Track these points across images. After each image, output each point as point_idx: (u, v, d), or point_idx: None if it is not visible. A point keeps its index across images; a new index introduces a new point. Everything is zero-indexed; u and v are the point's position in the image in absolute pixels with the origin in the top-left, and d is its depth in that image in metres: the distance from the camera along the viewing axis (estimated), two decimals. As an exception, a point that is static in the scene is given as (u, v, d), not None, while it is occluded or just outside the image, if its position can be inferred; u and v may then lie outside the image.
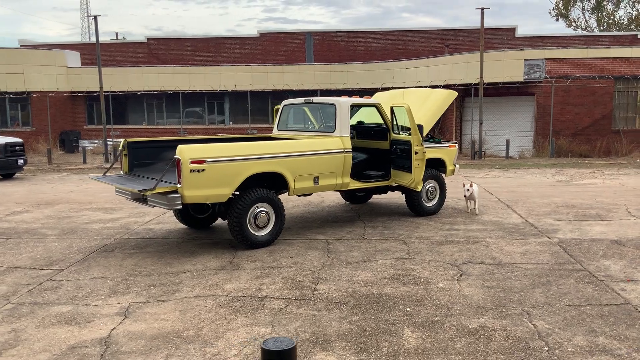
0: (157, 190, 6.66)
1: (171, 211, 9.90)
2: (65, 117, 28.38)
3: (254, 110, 28.85)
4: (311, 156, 7.80)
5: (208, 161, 6.84)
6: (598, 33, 37.40)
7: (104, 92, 23.72)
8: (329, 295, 5.68)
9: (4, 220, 9.65)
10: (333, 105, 8.36)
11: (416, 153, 8.23)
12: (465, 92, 22.52)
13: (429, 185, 9.25)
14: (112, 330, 4.92)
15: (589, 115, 22.01)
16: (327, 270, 6.52)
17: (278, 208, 7.56)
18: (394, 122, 8.62)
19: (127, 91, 27.66)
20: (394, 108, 8.54)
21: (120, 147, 8.04)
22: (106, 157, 20.74)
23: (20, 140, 16.93)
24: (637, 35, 33.83)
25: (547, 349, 4.42)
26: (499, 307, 5.29)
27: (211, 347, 4.56)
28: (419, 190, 8.62)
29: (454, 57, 23.88)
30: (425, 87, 23.35)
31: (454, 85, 20.84)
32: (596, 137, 21.76)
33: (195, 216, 8.60)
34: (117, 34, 41.45)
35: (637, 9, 53.41)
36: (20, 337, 4.77)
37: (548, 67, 21.65)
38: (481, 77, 20.05)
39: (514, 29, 33.48)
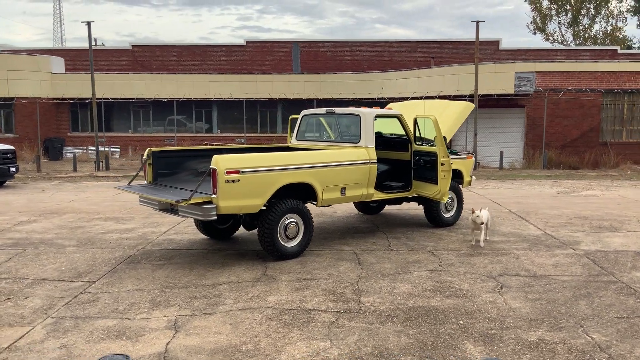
0: (193, 201, 6.55)
1: (188, 221, 9.77)
2: (49, 124, 27.86)
3: (241, 119, 28.74)
4: (339, 167, 7.77)
5: (243, 171, 6.77)
6: (580, 47, 38.20)
7: (89, 98, 23.33)
8: (376, 308, 5.64)
9: (13, 231, 9.39)
10: (358, 116, 8.35)
11: (442, 164, 8.26)
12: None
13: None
14: (167, 345, 4.80)
15: (578, 128, 22.44)
16: (364, 282, 6.48)
17: (307, 219, 7.51)
18: (417, 134, 8.64)
19: (120, 98, 27.28)
20: (418, 119, 8.57)
21: (144, 157, 7.90)
22: (97, 165, 20.38)
23: (12, 147, 16.54)
24: (617, 49, 34.69)
25: (612, 361, 4.45)
26: (551, 320, 5.32)
27: (276, 361, 4.48)
28: (445, 201, 8.66)
29: (445, 68, 24.14)
30: (417, 98, 23.54)
31: (449, 96, 21.04)
32: (584, 149, 22.17)
33: (217, 227, 8.48)
34: (95, 40, 40.97)
35: (612, 24, 54.83)
36: (73, 353, 4.63)
37: (538, 79, 22.03)
38: (476, 88, 20.29)
39: (498, 42, 34.01)
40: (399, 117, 8.63)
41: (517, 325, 5.20)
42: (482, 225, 7.98)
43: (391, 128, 9.44)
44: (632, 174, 19.03)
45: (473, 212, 7.97)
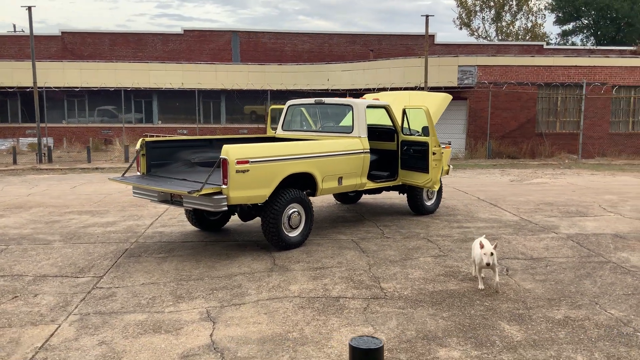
0: (203, 192, 6.43)
1: (170, 214, 9.56)
2: (-27, 114, 26.16)
3: (184, 110, 28.14)
4: (337, 157, 7.85)
5: (252, 161, 6.71)
6: (509, 42, 39.89)
7: (18, 87, 22.13)
8: (401, 294, 5.78)
9: (-18, 226, 8.85)
10: (350, 106, 8.44)
11: (434, 154, 8.50)
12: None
13: (428, 185, 9.57)
14: (210, 336, 4.74)
15: (516, 119, 23.52)
16: (376, 269, 6.60)
17: (309, 208, 7.54)
18: (406, 124, 8.84)
19: (58, 87, 25.95)
20: (407, 110, 8.76)
21: (137, 147, 7.65)
22: (40, 157, 19.38)
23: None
24: (542, 45, 36.53)
25: (639, 334, 4.79)
26: (567, 299, 5.64)
27: (328, 347, 4.53)
28: (436, 189, 8.91)
29: (391, 61, 24.62)
30: (362, 90, 23.89)
31: (400, 88, 21.47)
32: (522, 139, 23.28)
33: (209, 218, 8.36)
34: (14, 26, 38.76)
35: (532, 21, 57.59)
36: (116, 349, 4.49)
37: (479, 73, 22.89)
38: (425, 81, 20.84)
39: (433, 36, 34.89)
40: (386, 108, 8.79)
41: (538, 304, 5.48)
42: (480, 267, 5.88)
43: (375, 118, 9.58)
44: (570, 163, 20.20)
45: (481, 246, 5.69)
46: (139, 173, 7.74)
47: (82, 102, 27.97)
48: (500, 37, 54.75)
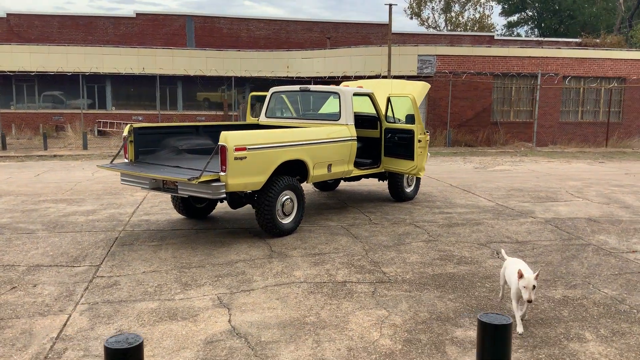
0: (203, 179, 6.38)
1: (151, 201, 9.42)
2: None
3: (139, 96, 27.50)
4: (327, 144, 7.91)
5: (249, 148, 6.70)
6: (461, 33, 40.68)
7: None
8: (403, 277, 5.93)
9: (-47, 216, 8.48)
10: (337, 94, 8.51)
11: (419, 141, 8.67)
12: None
13: (407, 173, 9.76)
14: (229, 322, 4.76)
15: (472, 108, 24.11)
16: (373, 254, 6.73)
17: (301, 195, 7.59)
18: (390, 112, 8.97)
19: (12, 72, 24.85)
20: (392, 98, 8.90)
21: (125, 134, 7.49)
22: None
23: None
24: (493, 36, 37.51)
25: (635, 310, 5.10)
26: (561, 279, 5.92)
27: (348, 330, 4.62)
28: (421, 176, 9.10)
29: (352, 49, 24.75)
30: (327, 78, 23.97)
31: (365, 76, 21.65)
32: (478, 128, 23.91)
33: (195, 206, 8.29)
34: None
35: (479, 12, 58.93)
36: (137, 337, 4.44)
37: (438, 62, 23.33)
38: (389, 69, 21.07)
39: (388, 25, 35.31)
40: (370, 96, 8.90)
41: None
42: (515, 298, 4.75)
43: (357, 106, 9.65)
44: (526, 151, 20.91)
45: (521, 276, 4.57)
46: (126, 160, 7.59)
47: (32, 87, 26.91)
48: (449, 28, 55.80)
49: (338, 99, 8.47)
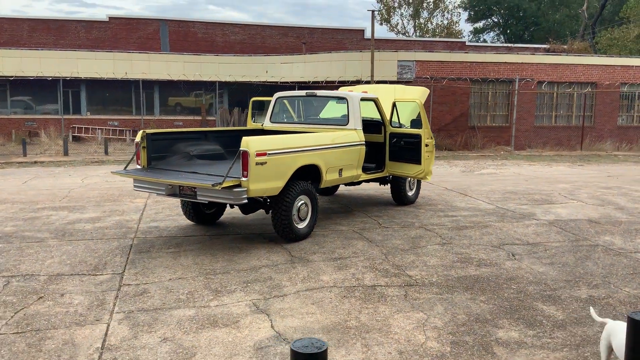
0: (225, 184, 6.35)
1: (156, 208, 9.31)
2: None
3: (115, 101, 27.07)
4: (339, 148, 7.96)
5: (269, 153, 6.69)
6: (434, 39, 41.24)
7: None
8: (430, 280, 6.00)
9: (-48, 225, 8.22)
10: (344, 99, 8.56)
11: (427, 145, 8.78)
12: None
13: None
14: (272, 328, 4.75)
15: (450, 113, 24.48)
16: (392, 257, 6.79)
17: (315, 200, 7.61)
18: (396, 117, 9.07)
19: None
20: (397, 103, 8.99)
21: (137, 140, 7.39)
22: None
23: None
24: (465, 42, 38.17)
25: (661, 308, 5.28)
26: (581, 280, 6.08)
27: (393, 334, 4.67)
28: (428, 180, 9.21)
29: (332, 54, 24.87)
30: (310, 82, 24.02)
31: (348, 82, 21.76)
32: (456, 132, 24.28)
33: (205, 212, 8.22)
34: None
35: (447, 19, 59.89)
36: (184, 345, 4.41)
37: (417, 68, 23.62)
38: (372, 74, 21.23)
39: (363, 30, 35.65)
40: (375, 101, 8.97)
41: (559, 286, 5.88)
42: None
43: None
44: (505, 154, 21.32)
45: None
46: (138, 166, 7.48)
47: (3, 92, 26.22)
48: (418, 34, 56.53)
49: (346, 104, 8.53)
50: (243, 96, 28.30)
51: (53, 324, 4.78)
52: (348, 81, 22.11)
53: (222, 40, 33.49)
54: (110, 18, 32.18)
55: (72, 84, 26.45)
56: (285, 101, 9.39)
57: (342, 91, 8.91)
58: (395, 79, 23.34)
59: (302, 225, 7.45)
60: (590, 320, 4.99)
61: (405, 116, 9.42)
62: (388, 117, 9.19)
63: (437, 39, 40.86)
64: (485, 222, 8.73)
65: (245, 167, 6.48)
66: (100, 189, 11.40)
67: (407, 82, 23.49)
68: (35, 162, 16.57)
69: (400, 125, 9.19)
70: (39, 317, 4.90)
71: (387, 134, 9.12)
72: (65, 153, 18.00)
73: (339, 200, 10.48)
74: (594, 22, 51.89)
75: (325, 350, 2.01)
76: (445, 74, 23.94)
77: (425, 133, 8.75)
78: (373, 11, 21.54)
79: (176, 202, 9.97)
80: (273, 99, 9.41)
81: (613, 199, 10.91)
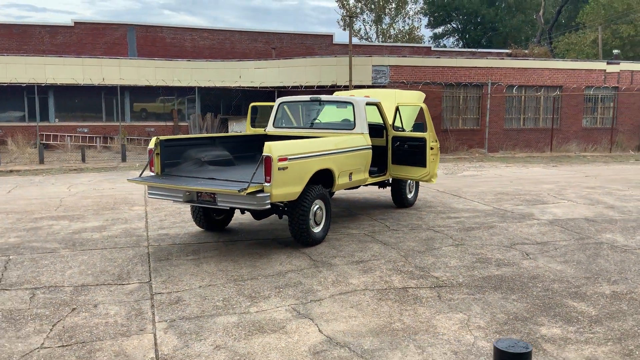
0: (250, 190, 6.33)
1: (160, 215, 9.18)
2: None
3: (84, 107, 26.49)
4: (350, 152, 8.02)
5: (290, 158, 6.70)
6: (402, 44, 41.79)
7: None
8: (457, 281, 6.11)
9: (-49, 237, 7.92)
10: (350, 103, 8.63)
11: (432, 149, 8.92)
12: (331, 93, 23.71)
13: (408, 180, 10.01)
14: (320, 332, 4.77)
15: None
16: (413, 260, 6.88)
17: (329, 204, 7.64)
18: (399, 121, 9.19)
19: None
20: (400, 107, 9.11)
21: (151, 146, 7.28)
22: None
23: None
24: (430, 47, 38.84)
25: (683, 302, 5.52)
26: (599, 276, 6.29)
27: (441, 335, 4.74)
28: (434, 182, 9.34)
29: (307, 59, 24.93)
30: (289, 87, 24.02)
31: (327, 86, 21.84)
32: (430, 135, 24.63)
33: (215, 218, 8.16)
34: None
35: (408, 24, 60.83)
36: (239, 352, 4.40)
37: (391, 72, 23.91)
38: (350, 79, 21.38)
39: (332, 36, 35.88)
40: (377, 105, 9.08)
41: (581, 283, 6.07)
42: None
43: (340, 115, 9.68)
44: (480, 157, 21.78)
45: None
46: (152, 173, 7.37)
47: (-34, 99, 25.32)
48: (381, 39, 57.18)
49: (351, 109, 8.60)
50: (216, 101, 28.13)
51: (97, 335, 4.68)
52: (326, 86, 22.23)
53: (191, 46, 33.20)
54: (75, 23, 31.51)
55: (39, 90, 25.74)
56: (288, 106, 9.40)
57: (347, 96, 8.97)
58: (370, 83, 23.56)
59: (317, 230, 7.47)
60: (622, 314, 5.18)
61: (404, 120, 9.54)
62: (390, 121, 9.30)
63: (404, 44, 41.41)
64: (489, 223, 8.92)
65: (268, 173, 6.47)
66: (93, 197, 11.15)
67: (382, 87, 23.75)
68: (11, 171, 16.07)
69: (400, 129, 9.30)
70: (79, 329, 4.79)
71: (390, 138, 9.22)
72: (41, 161, 17.51)
73: (339, 204, 10.53)
74: (550, 27, 53.51)
75: (531, 352, 2.05)
76: (418, 79, 24.29)
77: (430, 136, 8.90)
78: (350, 16, 21.72)
79: (178, 209, 9.85)
80: (276, 104, 9.41)
81: (601, 198, 11.29)
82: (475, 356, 4.34)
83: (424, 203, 10.62)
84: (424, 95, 10.69)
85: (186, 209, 9.79)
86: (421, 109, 9.07)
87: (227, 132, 26.02)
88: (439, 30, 64.46)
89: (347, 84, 22.18)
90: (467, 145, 24.95)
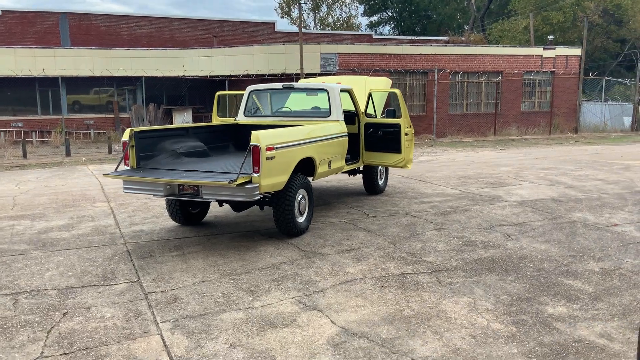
0: (239, 181, 6.12)
1: (128, 210, 8.80)
2: None
3: (17, 100, 25.09)
4: (329, 140, 7.92)
5: (276, 147, 6.53)
6: (343, 32, 41.82)
7: None
8: (451, 265, 6.15)
9: None
10: (325, 90, 8.51)
11: (406, 134, 8.92)
12: (280, 81, 23.40)
13: (379, 167, 10.01)
14: (333, 323, 4.68)
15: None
16: (402, 245, 6.87)
17: (311, 193, 7.52)
18: (372, 107, 9.14)
19: None
20: (373, 93, 9.06)
21: (125, 138, 6.91)
22: None
23: None
24: (372, 35, 39.09)
25: (668, 275, 5.76)
26: (583, 254, 6.48)
27: (453, 319, 4.75)
28: (409, 168, 9.34)
29: (253, 47, 24.53)
30: (239, 76, 23.56)
31: (278, 75, 21.54)
32: (378, 122, 24.83)
33: (191, 212, 7.88)
34: None
35: (346, 12, 61.09)
36: (257, 349, 4.25)
37: (340, 60, 23.89)
38: (301, 67, 21.18)
39: (274, 24, 35.45)
40: (349, 92, 8.99)
41: (569, 262, 6.23)
42: None
43: (312, 103, 9.57)
44: (430, 142, 22.15)
45: None
46: (126, 167, 7.01)
47: None
48: (319, 27, 57.08)
49: (326, 96, 8.48)
50: (158, 92, 27.27)
51: (99, 340, 4.40)
52: (278, 74, 21.95)
53: (127, 34, 32.01)
54: (3, 12, 29.75)
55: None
56: (258, 94, 9.17)
57: (321, 83, 8.83)
58: (318, 71, 23.45)
59: (301, 220, 7.34)
60: (617, 290, 5.34)
61: (375, 106, 9.51)
62: (362, 107, 9.24)
63: (345, 32, 41.47)
64: (463, 206, 9.05)
65: (256, 163, 6.27)
66: (48, 195, 10.56)
67: (331, 74, 23.69)
68: (-55, 169, 15.02)
69: (372, 116, 9.27)
70: (78, 335, 4.49)
71: (362, 125, 9.17)
72: (-24, 158, 16.45)
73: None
74: (482, 15, 54.96)
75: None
76: (366, 66, 24.39)
77: (404, 122, 8.90)
78: (300, 3, 21.49)
79: (145, 204, 9.47)
80: (246, 93, 9.16)
81: (559, 179, 11.68)
82: (494, 339, 4.36)
83: (393, 189, 10.66)
84: (390, 81, 10.69)
85: (154, 204, 9.42)
86: (395, 94, 9.04)
87: (172, 123, 25.32)
88: (375, 18, 64.98)
89: (299, 72, 21.99)
90: (414, 131, 25.28)
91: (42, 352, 4.19)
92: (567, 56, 28.10)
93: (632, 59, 44.16)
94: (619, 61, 44.90)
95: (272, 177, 6.53)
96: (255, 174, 6.29)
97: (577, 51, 28.70)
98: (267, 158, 6.36)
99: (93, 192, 10.88)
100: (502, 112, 27.53)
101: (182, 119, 24.69)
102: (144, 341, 4.38)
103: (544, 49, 28.02)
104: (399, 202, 9.41)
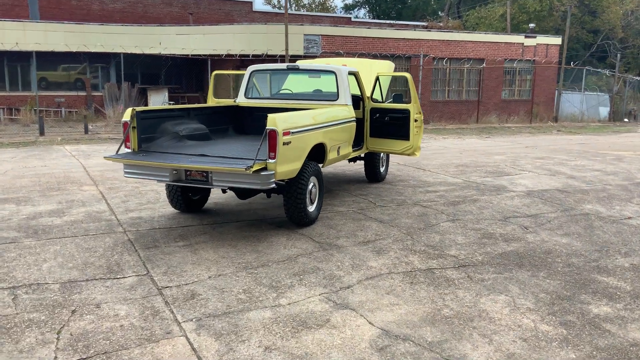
0: (255, 168, 5.69)
1: (120, 196, 8.29)
2: None
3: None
4: (339, 125, 7.53)
5: (292, 132, 6.12)
6: (322, 14, 41.18)
7: None
8: (477, 259, 5.87)
9: None
10: (332, 72, 8.10)
11: (416, 121, 8.57)
12: (264, 62, 22.77)
13: (381, 154, 9.67)
14: (371, 324, 4.34)
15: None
16: (419, 237, 6.57)
17: (321, 181, 7.14)
18: (379, 91, 8.77)
19: None
20: (380, 77, 8.68)
21: (127, 119, 6.39)
22: None
23: None
24: (350, 18, 38.59)
25: (701, 272, 5.58)
26: (608, 249, 6.27)
27: (497, 320, 4.46)
28: (417, 156, 9.01)
29: (234, 27, 23.84)
30: (223, 56, 22.85)
31: (262, 55, 20.93)
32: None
33: (192, 198, 7.42)
34: None
35: (322, -7, 60.19)
36: (295, 353, 3.89)
37: (323, 42, 23.41)
38: (287, 48, 20.62)
39: (251, 3, 34.63)
40: (356, 75, 8.61)
41: (596, 257, 6.01)
42: None
43: (312, 86, 9.15)
44: (414, 128, 21.87)
45: None
46: (128, 150, 6.50)
47: None
48: (294, 9, 56.14)
49: (334, 78, 8.07)
50: (133, 70, 26.34)
51: (118, 343, 3.97)
52: (262, 55, 21.34)
53: (99, 9, 30.84)
54: (-34, -19, 28.25)
55: None
56: (261, 75, 8.70)
57: (329, 64, 8.40)
58: (302, 53, 22.94)
59: (312, 209, 6.97)
60: (657, 288, 5.13)
61: (379, 90, 9.14)
62: (367, 91, 8.86)
63: (323, 14, 40.86)
64: (470, 196, 8.79)
65: (272, 148, 5.85)
66: (29, 177, 9.92)
67: (314, 57, 23.19)
68: None
69: (377, 101, 8.90)
70: (92, 337, 4.05)
71: (368, 110, 8.79)
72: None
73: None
74: (458, 1, 54.90)
75: None
76: (349, 49, 23.97)
77: (414, 108, 8.55)
78: (285, -18, 20.84)
79: (136, 188, 8.95)
80: (247, 73, 8.67)
81: (557, 169, 11.54)
82: (545, 342, 4.09)
83: (393, 177, 10.35)
84: (393, 65, 10.33)
85: (146, 189, 8.91)
86: (405, 78, 8.68)
87: (147, 103, 24.51)
88: (350, 1, 64.33)
89: (283, 53, 21.42)
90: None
91: (56, 357, 3.75)
92: (547, 45, 28.16)
93: (604, 50, 44.76)
94: (592, 52, 45.40)
95: (288, 163, 6.12)
96: (271, 160, 5.88)
97: (557, 40, 28.78)
98: (284, 143, 5.94)
99: (77, 174, 10.27)
100: (482, 100, 27.48)
101: (163, 100, 23.89)
102: (169, 344, 3.97)
103: (526, 37, 28.00)
104: (403, 191, 9.09)
